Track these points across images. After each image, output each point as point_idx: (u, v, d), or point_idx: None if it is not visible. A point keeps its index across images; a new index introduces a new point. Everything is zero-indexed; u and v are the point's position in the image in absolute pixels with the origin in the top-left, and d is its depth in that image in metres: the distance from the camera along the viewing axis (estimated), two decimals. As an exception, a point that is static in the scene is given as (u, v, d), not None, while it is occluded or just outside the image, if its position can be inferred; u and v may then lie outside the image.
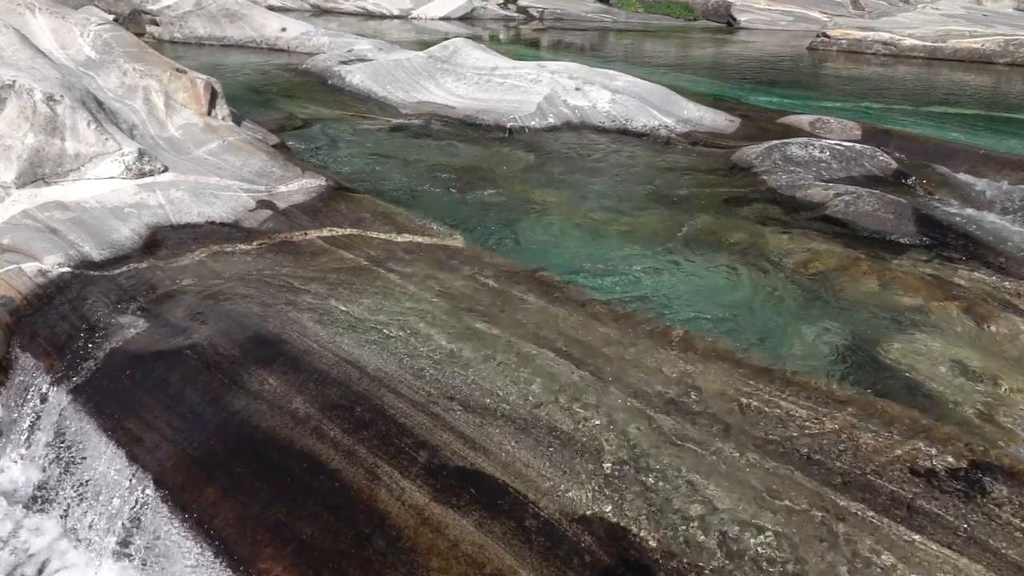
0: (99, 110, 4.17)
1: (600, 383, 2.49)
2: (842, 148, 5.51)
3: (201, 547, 2.05)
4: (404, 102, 7.17)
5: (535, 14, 19.51)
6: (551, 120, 6.67)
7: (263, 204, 3.96)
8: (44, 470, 2.52)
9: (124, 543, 2.22)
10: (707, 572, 1.84)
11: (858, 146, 5.61)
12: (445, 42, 8.16)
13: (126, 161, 3.92)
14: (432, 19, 17.21)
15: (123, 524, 2.24)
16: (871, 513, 1.99)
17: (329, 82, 7.91)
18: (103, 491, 2.33)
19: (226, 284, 3.06)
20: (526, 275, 3.33)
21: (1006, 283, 3.65)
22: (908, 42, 14.09)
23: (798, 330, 3.28)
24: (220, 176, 4.19)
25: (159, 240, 3.48)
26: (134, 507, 2.22)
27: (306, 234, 3.64)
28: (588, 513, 2.00)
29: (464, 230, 3.85)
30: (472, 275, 3.27)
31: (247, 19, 11.17)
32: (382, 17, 17.17)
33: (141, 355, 2.64)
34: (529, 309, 2.98)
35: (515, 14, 19.26)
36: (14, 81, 3.80)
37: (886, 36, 14.37)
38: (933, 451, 2.23)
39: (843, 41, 14.73)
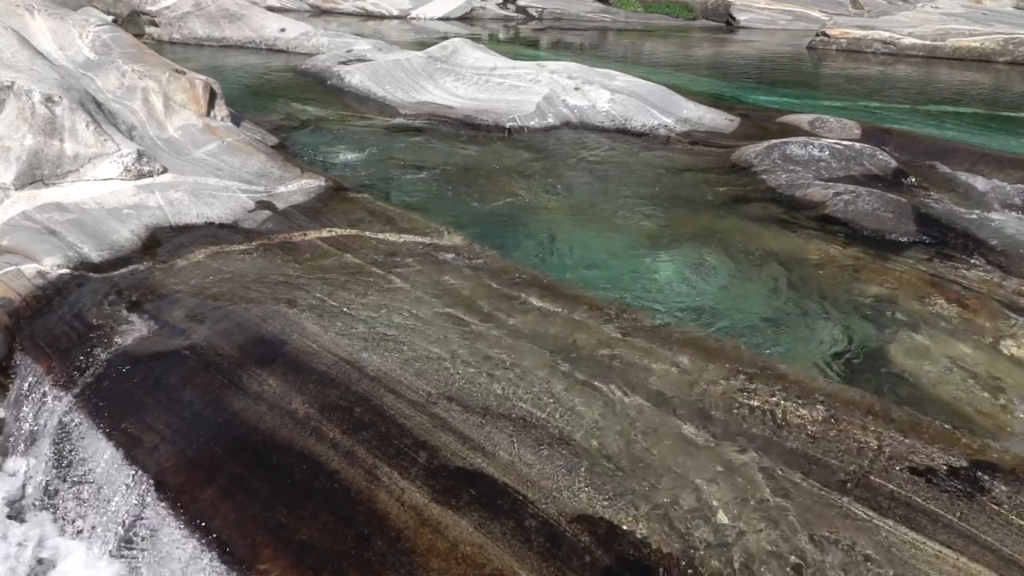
0: (98, 111, 4.17)
1: (600, 382, 2.49)
2: (842, 147, 5.51)
3: (201, 548, 2.05)
4: (403, 102, 7.17)
5: (534, 14, 19.49)
6: (550, 120, 6.67)
7: (262, 205, 3.96)
8: (45, 471, 2.52)
9: (124, 544, 2.22)
10: (706, 572, 1.84)
11: (858, 145, 5.61)
12: (444, 42, 8.15)
13: (125, 162, 3.92)
14: (431, 19, 17.20)
15: (123, 525, 2.23)
16: (871, 513, 1.99)
17: (328, 82, 7.91)
18: (103, 492, 2.33)
19: (225, 285, 3.06)
20: (525, 275, 3.33)
21: (1006, 282, 3.65)
22: (908, 41, 14.08)
23: (797, 329, 3.28)
24: (219, 177, 4.19)
25: (158, 241, 3.48)
26: (134, 508, 2.22)
27: (305, 235, 3.64)
28: (588, 513, 1.99)
29: (463, 230, 3.85)
30: (471, 275, 3.27)
31: (246, 20, 11.17)
32: (381, 17, 17.16)
33: (140, 356, 2.63)
34: (528, 309, 2.98)
35: (514, 14, 19.24)
36: (13, 82, 3.79)
37: (885, 35, 14.37)
38: (933, 451, 2.23)
39: (842, 40, 14.72)
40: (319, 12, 17.08)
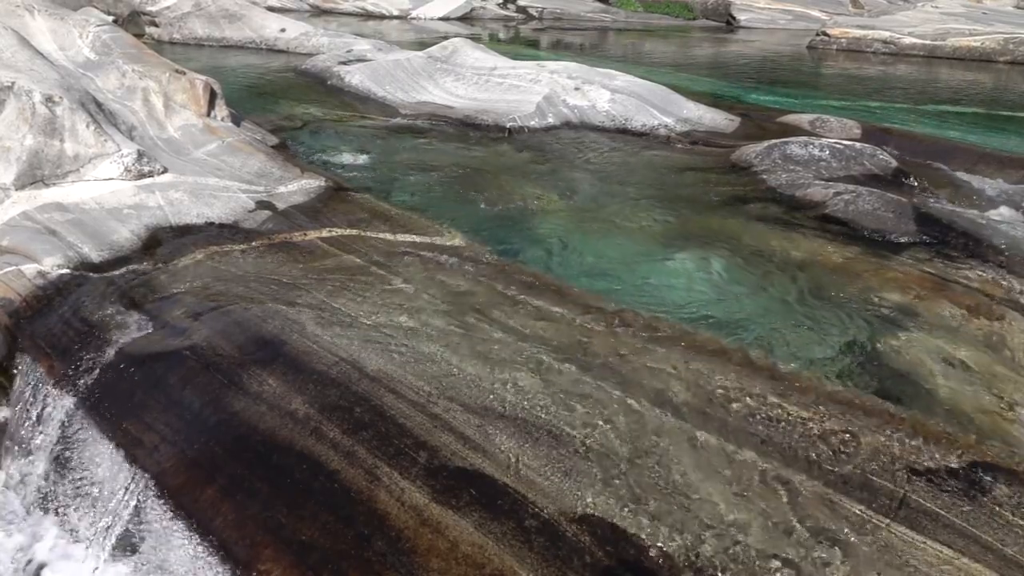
0: (98, 111, 4.17)
1: (599, 382, 2.49)
2: (842, 147, 5.51)
3: (201, 548, 2.05)
4: (403, 102, 7.17)
5: (534, 14, 19.49)
6: (550, 120, 6.67)
7: (262, 205, 3.96)
8: (45, 471, 2.52)
9: (124, 544, 2.22)
10: (706, 572, 1.84)
11: (858, 145, 5.61)
12: (444, 42, 8.15)
13: (125, 162, 3.92)
14: (431, 19, 17.20)
15: (123, 525, 2.23)
16: (871, 513, 1.99)
17: (328, 82, 7.91)
18: (103, 492, 2.33)
19: (225, 285, 3.06)
20: (526, 275, 3.32)
21: (1006, 281, 3.65)
22: (908, 40, 14.08)
23: (798, 329, 3.28)
24: (219, 177, 4.19)
25: (158, 241, 3.48)
26: (134, 508, 2.22)
27: (305, 235, 3.64)
28: (588, 513, 1.99)
29: (463, 230, 3.85)
30: (471, 275, 3.27)
31: (246, 20, 11.16)
32: (381, 17, 17.16)
33: (141, 356, 2.63)
34: (528, 309, 2.98)
35: (514, 14, 19.24)
36: (13, 83, 3.79)
37: (886, 35, 14.36)
38: (933, 451, 2.23)
39: (843, 40, 14.71)
40: (319, 12, 17.08)
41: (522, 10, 19.49)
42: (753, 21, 19.60)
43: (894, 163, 5.40)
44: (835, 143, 5.59)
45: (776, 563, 1.86)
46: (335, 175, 4.77)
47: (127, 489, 2.27)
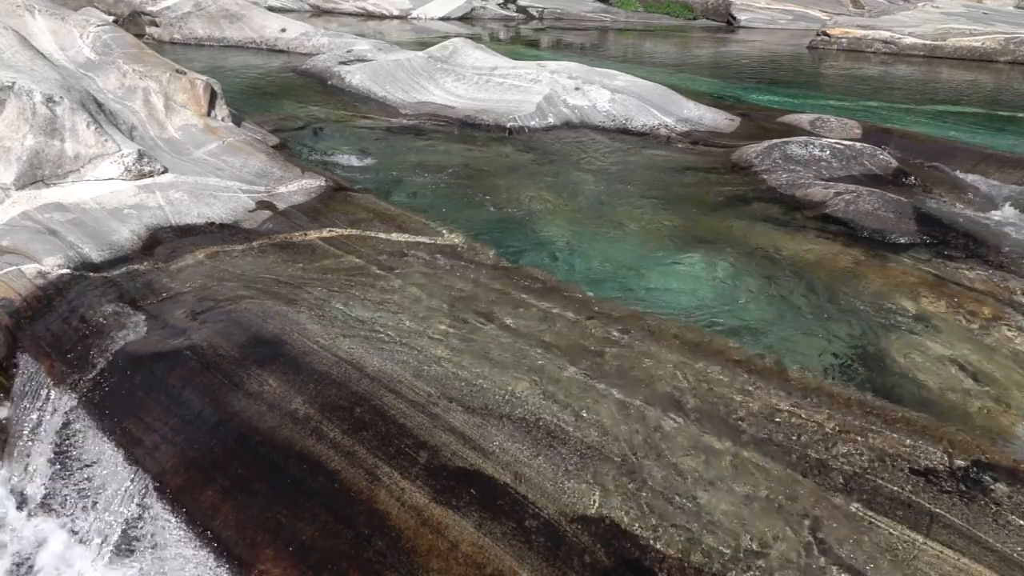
0: (99, 111, 4.17)
1: (600, 382, 2.49)
2: (842, 147, 5.51)
3: (201, 548, 2.05)
4: (404, 102, 7.17)
5: (535, 14, 19.51)
6: (551, 120, 6.67)
7: (263, 205, 3.96)
8: (46, 471, 2.52)
9: (124, 544, 2.22)
10: (706, 572, 1.84)
11: (858, 145, 5.61)
12: (444, 42, 8.16)
13: (125, 162, 3.92)
14: (432, 19, 17.21)
15: (123, 525, 2.23)
16: (871, 513, 1.99)
17: (329, 82, 7.92)
18: (103, 492, 2.33)
19: (225, 285, 3.06)
20: (525, 275, 3.32)
21: (1006, 281, 3.65)
22: (908, 40, 14.08)
23: (798, 330, 3.28)
24: (220, 177, 4.18)
25: (159, 241, 3.48)
26: (134, 509, 2.22)
27: (306, 235, 3.64)
28: (588, 513, 1.99)
29: (463, 230, 3.85)
30: (471, 275, 3.27)
31: (246, 20, 11.17)
32: (381, 17, 17.17)
33: (141, 356, 2.63)
34: (529, 309, 2.98)
35: (515, 14, 19.25)
36: (14, 83, 3.79)
37: (886, 35, 14.37)
38: (933, 451, 2.23)
39: (843, 40, 14.73)
40: (319, 12, 17.09)
41: (522, 10, 19.50)
42: (753, 21, 19.62)
43: (894, 163, 5.40)
44: (835, 143, 5.59)
45: (776, 566, 1.85)
46: (336, 175, 4.77)
47: (127, 490, 2.27)
